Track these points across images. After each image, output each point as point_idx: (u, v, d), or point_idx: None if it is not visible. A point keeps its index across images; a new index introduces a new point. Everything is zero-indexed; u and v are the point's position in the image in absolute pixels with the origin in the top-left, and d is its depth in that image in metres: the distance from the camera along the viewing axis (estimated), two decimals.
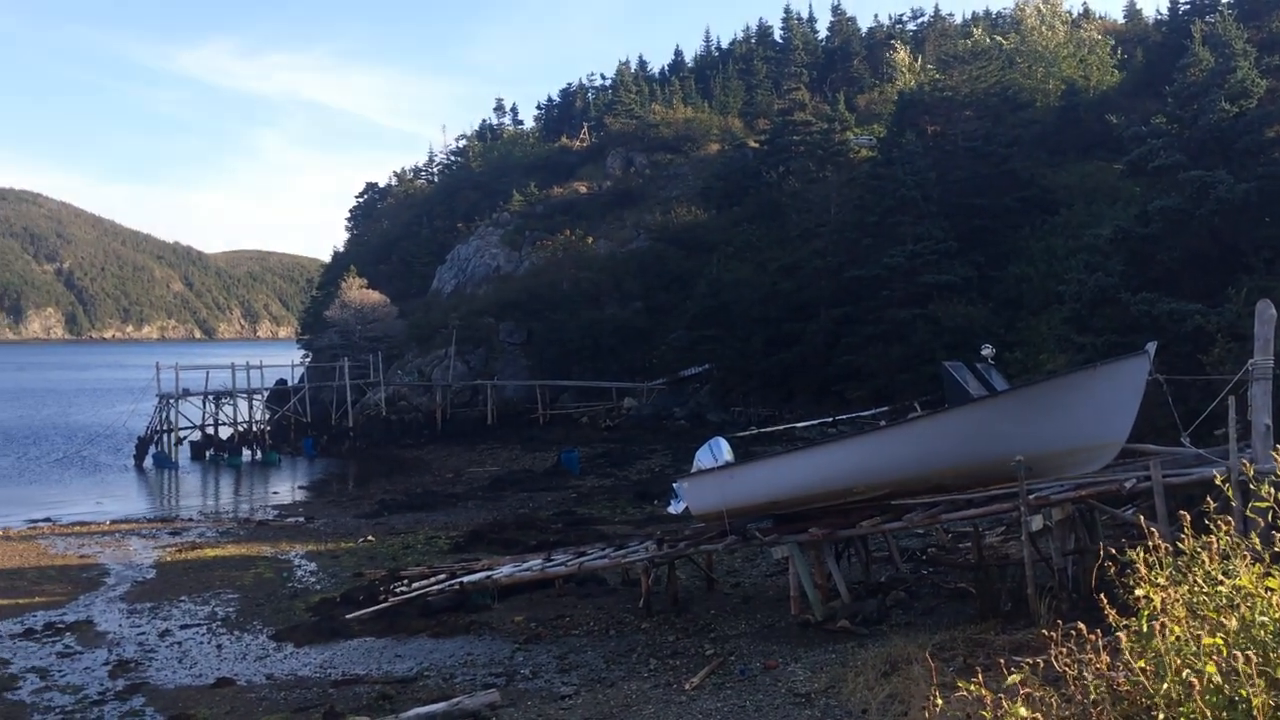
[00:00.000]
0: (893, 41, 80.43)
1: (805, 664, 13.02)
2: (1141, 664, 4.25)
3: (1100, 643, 4.57)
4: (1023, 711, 4.13)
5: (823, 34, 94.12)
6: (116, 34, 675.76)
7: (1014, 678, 4.40)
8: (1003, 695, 4.39)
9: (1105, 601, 4.91)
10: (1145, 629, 4.34)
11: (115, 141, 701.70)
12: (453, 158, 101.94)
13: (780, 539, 15.69)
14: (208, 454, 51.62)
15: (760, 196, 57.99)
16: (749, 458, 19.58)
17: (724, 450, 17.23)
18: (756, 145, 66.35)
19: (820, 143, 57.44)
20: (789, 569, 15.70)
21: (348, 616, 18.30)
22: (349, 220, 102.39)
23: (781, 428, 27.26)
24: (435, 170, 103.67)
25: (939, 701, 4.55)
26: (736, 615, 16.53)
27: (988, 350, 15.78)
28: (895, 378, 37.62)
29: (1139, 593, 4.61)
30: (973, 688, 4.33)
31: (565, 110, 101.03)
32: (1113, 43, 64.48)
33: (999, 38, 65.67)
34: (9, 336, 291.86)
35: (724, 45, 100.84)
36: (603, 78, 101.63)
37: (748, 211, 58.03)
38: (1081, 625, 4.73)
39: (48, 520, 33.36)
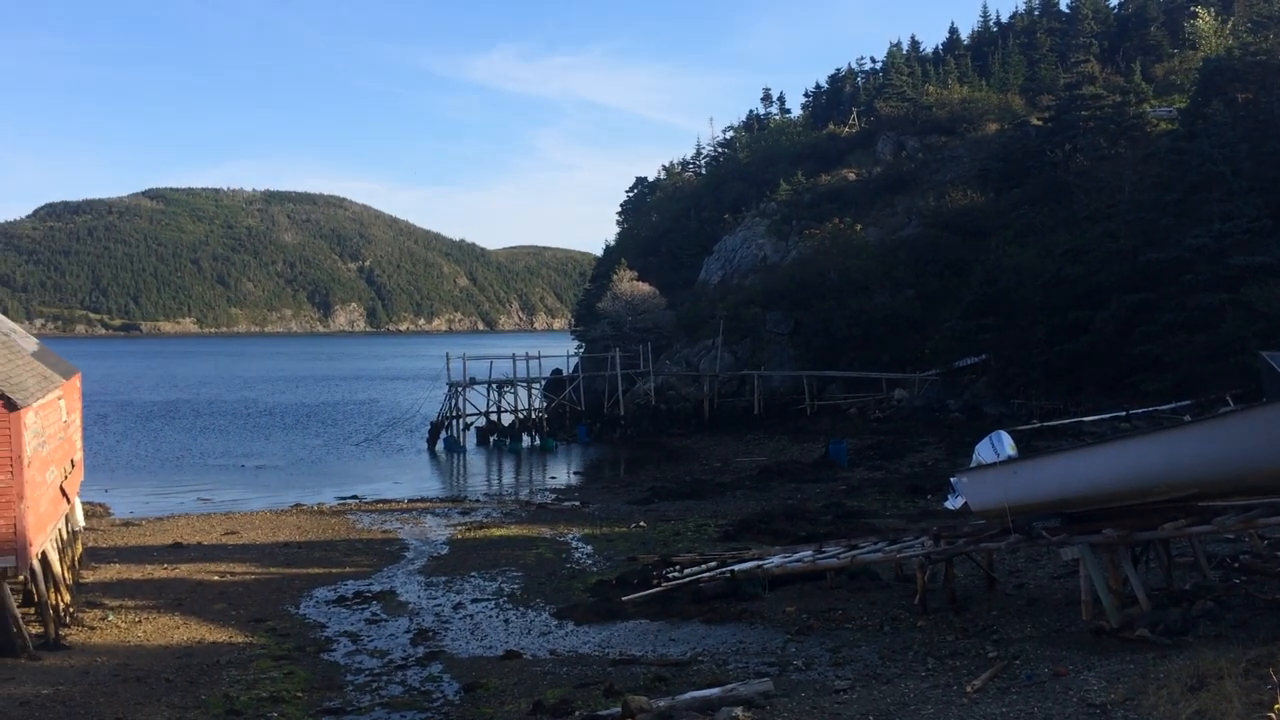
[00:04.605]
0: (1195, 5, 73.89)
1: (1099, 673, 12.17)
2: None
3: None
4: None
5: (1114, 1, 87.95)
6: (412, 46, 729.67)
7: None
8: None
9: None
10: None
11: (410, 147, 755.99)
12: (720, 149, 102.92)
13: (1070, 539, 14.74)
14: (491, 439, 54.96)
15: (1043, 177, 55.15)
16: (1034, 453, 18.55)
17: (1006, 444, 16.41)
18: (1039, 123, 62.98)
19: (1112, 117, 53.92)
20: (1080, 571, 14.72)
21: (624, 599, 18.89)
22: (619, 214, 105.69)
23: (1068, 421, 25.87)
24: (703, 162, 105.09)
25: None
26: (1021, 617, 15.71)
27: None
28: (1199, 369, 34.72)
29: None
30: None
31: (833, 97, 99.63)
32: None
33: None
34: (319, 329, 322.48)
35: (1003, 19, 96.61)
36: (872, 61, 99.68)
37: (1029, 193, 55.28)
38: None
39: (355, 497, 36.53)
